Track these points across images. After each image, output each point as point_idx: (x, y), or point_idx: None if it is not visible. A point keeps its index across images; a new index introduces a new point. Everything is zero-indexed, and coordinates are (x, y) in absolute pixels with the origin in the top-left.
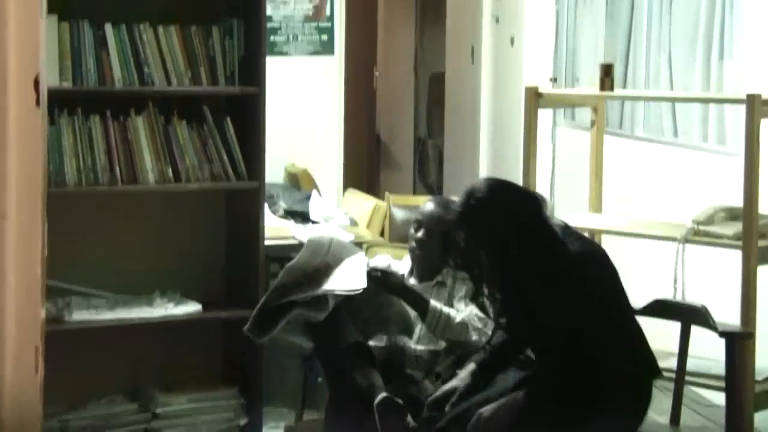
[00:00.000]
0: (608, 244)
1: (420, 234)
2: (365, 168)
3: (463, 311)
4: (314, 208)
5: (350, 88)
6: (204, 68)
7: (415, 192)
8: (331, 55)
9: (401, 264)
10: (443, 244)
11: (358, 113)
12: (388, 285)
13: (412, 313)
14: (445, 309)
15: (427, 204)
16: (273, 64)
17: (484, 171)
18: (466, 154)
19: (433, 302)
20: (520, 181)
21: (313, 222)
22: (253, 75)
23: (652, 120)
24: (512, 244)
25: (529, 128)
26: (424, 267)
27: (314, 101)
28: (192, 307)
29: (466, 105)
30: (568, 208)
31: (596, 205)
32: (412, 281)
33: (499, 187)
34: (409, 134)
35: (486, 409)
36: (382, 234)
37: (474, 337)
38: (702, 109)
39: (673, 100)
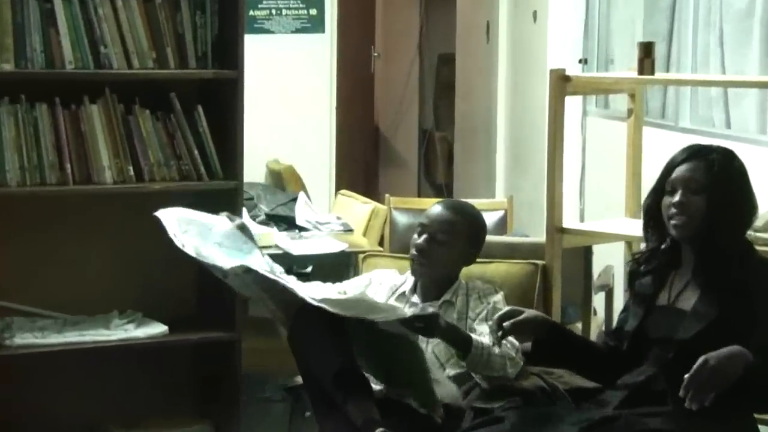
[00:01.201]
0: None
1: (421, 240)
2: (362, 165)
3: (492, 335)
4: (301, 213)
5: (344, 72)
6: (171, 48)
7: (420, 194)
8: (321, 33)
9: (404, 278)
10: (453, 255)
11: (354, 101)
12: (433, 331)
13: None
14: (485, 341)
15: (434, 206)
16: (252, 44)
17: (502, 168)
18: (480, 149)
19: (475, 338)
20: (544, 180)
21: (300, 229)
22: (229, 56)
23: (700, 109)
24: (737, 230)
25: (554, 118)
26: (430, 281)
27: (301, 87)
28: (156, 329)
29: (480, 91)
30: (600, 213)
31: (634, 208)
32: (415, 299)
33: (745, 165)
34: (414, 126)
35: (712, 356)
36: (381, 243)
37: (510, 369)
38: (759, 96)
39: (725, 85)
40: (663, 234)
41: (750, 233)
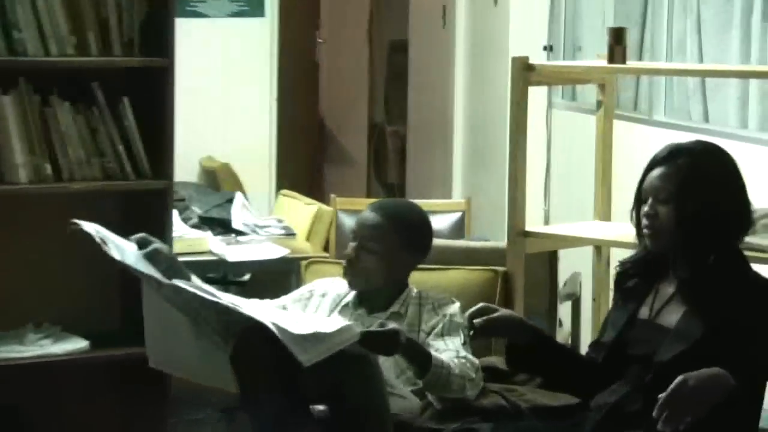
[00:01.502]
0: (620, 259)
1: (350, 249)
2: (305, 163)
3: (448, 352)
4: (238, 215)
5: (286, 60)
6: (93, 33)
7: (369, 194)
8: (260, 17)
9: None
10: (395, 262)
11: (297, 92)
12: (394, 349)
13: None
14: (444, 359)
15: (365, 210)
16: (184, 28)
17: (459, 167)
18: (436, 144)
19: (435, 355)
20: (505, 179)
21: (237, 233)
22: (158, 42)
23: (675, 101)
24: (719, 242)
25: (516, 111)
26: (374, 291)
27: (239, 77)
28: (76, 344)
29: (436, 81)
30: (567, 215)
31: (604, 210)
32: (360, 311)
33: (733, 163)
34: (362, 119)
35: (691, 377)
36: (326, 248)
37: (469, 392)
38: (740, 87)
39: (703, 75)
40: None
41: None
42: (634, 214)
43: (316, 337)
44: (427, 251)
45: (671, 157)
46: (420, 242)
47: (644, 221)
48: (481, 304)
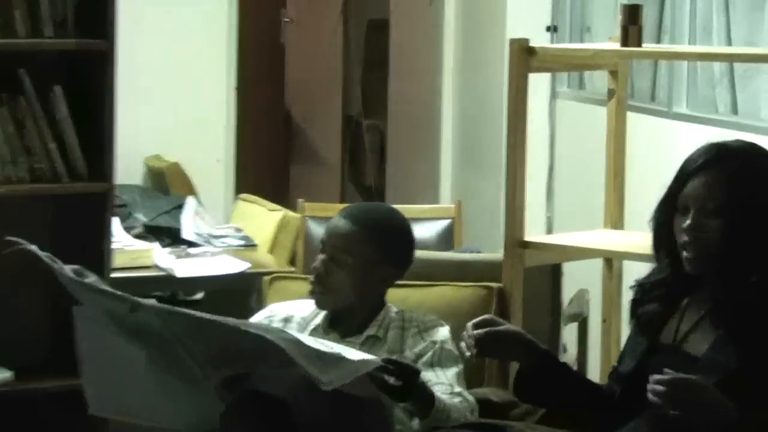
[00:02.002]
0: (633, 274)
1: (318, 262)
2: (268, 162)
3: (441, 386)
4: (189, 223)
5: (246, 43)
6: (20, 11)
7: (343, 198)
8: None
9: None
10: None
11: (258, 80)
12: (411, 390)
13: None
14: (446, 399)
15: (335, 216)
16: (128, 5)
17: (449, 166)
18: (421, 141)
19: (438, 396)
20: (502, 181)
21: (189, 244)
22: (96, 22)
23: (699, 90)
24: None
25: (515, 102)
26: (348, 312)
27: (192, 62)
28: None
29: (422, 67)
30: (573, 223)
31: (616, 216)
32: (333, 336)
33: None
34: (336, 112)
35: (712, 389)
36: (293, 261)
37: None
38: None
39: (732, 60)
40: (679, 259)
41: None
42: (654, 225)
43: (339, 359)
44: (407, 264)
45: (719, 160)
46: (400, 254)
47: (684, 237)
48: (486, 316)
